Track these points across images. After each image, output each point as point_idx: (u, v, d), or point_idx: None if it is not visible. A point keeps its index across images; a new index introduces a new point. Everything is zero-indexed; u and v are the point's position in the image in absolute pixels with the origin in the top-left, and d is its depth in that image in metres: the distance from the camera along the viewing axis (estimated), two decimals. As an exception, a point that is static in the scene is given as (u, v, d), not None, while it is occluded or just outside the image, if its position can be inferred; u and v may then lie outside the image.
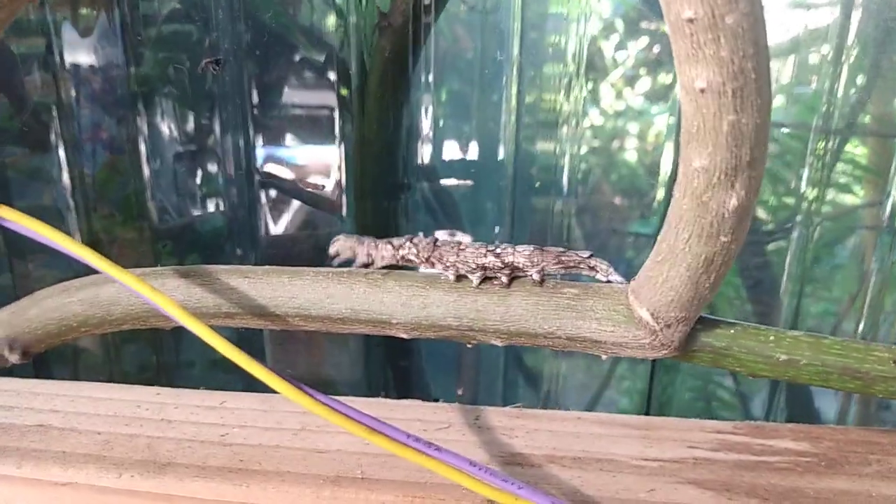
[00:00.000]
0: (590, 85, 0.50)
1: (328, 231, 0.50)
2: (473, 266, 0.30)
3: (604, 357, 0.28)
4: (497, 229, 0.49)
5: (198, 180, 0.51)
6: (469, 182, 0.50)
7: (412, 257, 0.32)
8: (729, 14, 0.20)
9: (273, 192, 0.50)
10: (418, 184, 0.48)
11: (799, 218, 0.48)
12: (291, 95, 0.48)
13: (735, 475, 0.30)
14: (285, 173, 0.50)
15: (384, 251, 0.32)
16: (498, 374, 0.55)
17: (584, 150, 0.50)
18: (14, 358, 0.36)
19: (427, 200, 0.49)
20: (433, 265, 0.31)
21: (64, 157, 0.48)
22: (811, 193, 0.47)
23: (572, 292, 0.28)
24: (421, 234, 0.32)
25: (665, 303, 0.26)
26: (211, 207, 0.52)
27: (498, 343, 0.29)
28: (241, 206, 0.49)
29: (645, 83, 0.53)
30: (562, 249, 0.30)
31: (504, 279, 0.30)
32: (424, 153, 0.49)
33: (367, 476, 0.30)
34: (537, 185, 0.47)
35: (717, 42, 0.20)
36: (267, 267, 0.32)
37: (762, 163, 0.23)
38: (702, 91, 0.21)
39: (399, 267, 0.32)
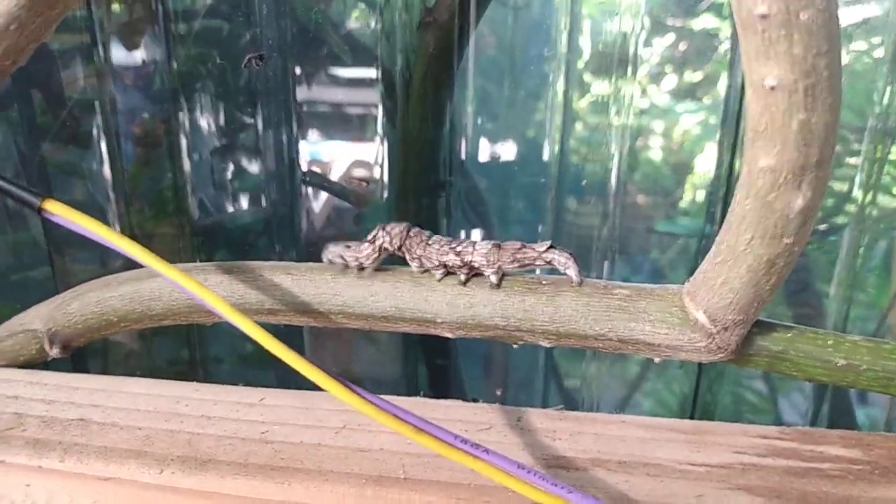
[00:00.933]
0: (619, 83, 0.50)
1: (368, 228, 0.50)
2: (436, 262, 0.30)
3: (657, 360, 0.28)
4: (540, 228, 0.49)
5: (238, 176, 0.51)
6: (511, 180, 0.49)
7: (387, 245, 0.31)
8: (804, 10, 0.19)
9: (314, 189, 0.50)
10: (459, 182, 0.48)
11: (846, 220, 0.47)
12: (334, 92, 0.48)
13: (785, 482, 0.30)
14: (327, 170, 0.50)
15: (366, 249, 0.32)
16: (536, 373, 0.55)
17: (618, 148, 0.50)
18: (54, 352, 0.36)
19: (467, 198, 0.49)
20: (403, 255, 0.31)
21: (106, 153, 0.48)
22: (861, 196, 0.46)
23: (624, 293, 0.27)
24: (421, 227, 0.31)
25: (723, 305, 0.25)
26: (251, 203, 0.52)
27: (546, 344, 0.28)
28: (281, 203, 0.49)
29: (671, 80, 0.53)
30: (518, 245, 0.29)
31: (462, 277, 0.30)
32: (465, 151, 0.48)
33: (411, 476, 0.30)
34: (583, 183, 0.47)
35: (790, 39, 0.19)
36: (310, 264, 0.32)
37: (829, 163, 0.22)
38: (772, 89, 0.20)
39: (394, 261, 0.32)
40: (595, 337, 0.27)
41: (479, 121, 0.48)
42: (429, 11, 0.42)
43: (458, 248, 0.30)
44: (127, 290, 0.33)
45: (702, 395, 0.50)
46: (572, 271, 0.28)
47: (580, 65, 0.47)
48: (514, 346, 0.30)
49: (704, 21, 0.51)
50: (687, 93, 0.52)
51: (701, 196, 0.55)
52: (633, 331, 0.27)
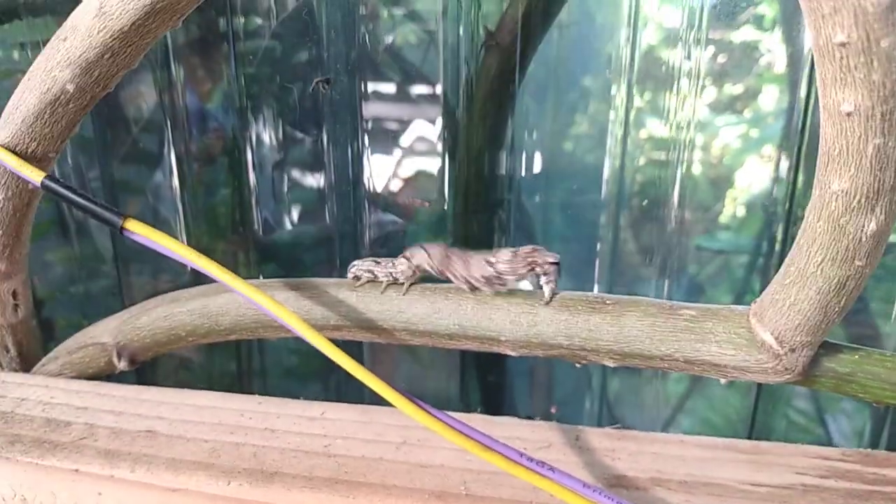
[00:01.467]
0: (648, 95, 0.50)
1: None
2: (480, 278, 0.30)
3: (723, 381, 0.28)
4: (598, 246, 0.49)
5: (301, 192, 0.52)
6: (569, 197, 0.50)
7: (427, 267, 0.32)
8: (885, 38, 0.19)
9: (376, 207, 0.51)
10: (516, 199, 0.49)
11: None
12: (398, 111, 0.49)
13: (849, 504, 0.29)
14: (390, 188, 0.51)
15: (401, 265, 0.32)
16: (585, 391, 0.55)
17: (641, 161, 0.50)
18: (122, 365, 0.37)
19: (525, 216, 0.49)
20: (447, 277, 0.32)
21: (175, 170, 0.49)
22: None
23: (689, 314, 0.28)
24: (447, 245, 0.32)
25: (791, 327, 0.25)
26: (314, 219, 0.53)
27: (610, 364, 0.29)
28: (345, 219, 0.50)
29: (710, 93, 0.53)
30: (529, 249, 0.30)
31: (501, 287, 0.31)
32: (523, 169, 0.49)
33: (472, 493, 0.30)
34: (644, 203, 0.47)
35: (868, 66, 0.20)
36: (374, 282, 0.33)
37: (904, 186, 0.22)
38: (848, 115, 0.21)
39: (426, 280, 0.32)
40: (661, 357, 0.28)
41: (536, 138, 0.49)
42: (491, 35, 0.43)
43: (492, 260, 0.30)
44: (195, 306, 0.34)
45: (759, 414, 0.49)
46: (549, 289, 0.30)
47: (635, 81, 0.48)
48: (577, 366, 0.30)
49: (745, 33, 0.52)
50: (727, 106, 0.52)
51: (742, 211, 0.55)
52: (700, 352, 0.27)
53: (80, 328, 0.40)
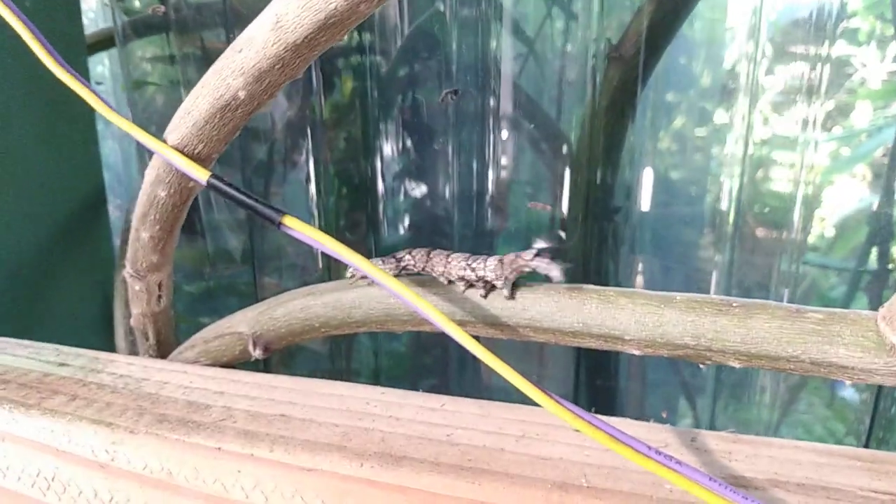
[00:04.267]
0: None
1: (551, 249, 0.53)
2: (456, 277, 0.34)
3: (848, 383, 0.28)
4: (717, 258, 0.50)
5: (426, 200, 0.55)
6: (686, 208, 0.51)
7: (411, 267, 0.36)
8: None
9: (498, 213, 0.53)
10: (634, 208, 0.50)
11: None
12: (523, 120, 0.51)
13: (976, 516, 0.29)
14: (511, 195, 0.53)
15: (389, 265, 0.36)
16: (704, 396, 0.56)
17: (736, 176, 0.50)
18: (257, 353, 0.39)
19: (641, 224, 0.51)
20: (429, 274, 0.36)
21: (313, 175, 0.53)
22: None
23: (817, 317, 0.28)
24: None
25: (923, 331, 0.26)
26: (437, 227, 0.56)
27: (736, 365, 0.30)
28: (467, 226, 0.52)
29: (800, 110, 0.52)
30: (513, 256, 0.33)
31: (481, 291, 0.34)
32: (639, 177, 0.50)
33: (593, 485, 0.31)
34: (766, 210, 0.48)
35: None
36: (499, 280, 0.34)
37: None
38: None
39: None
40: (787, 359, 0.28)
41: (656, 148, 0.50)
42: (614, 48, 0.44)
43: (473, 265, 0.34)
44: (330, 299, 0.37)
45: (878, 423, 0.49)
46: (556, 271, 0.32)
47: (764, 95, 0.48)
48: (701, 367, 0.31)
49: (838, 48, 0.51)
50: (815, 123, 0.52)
51: (831, 231, 0.54)
52: (827, 354, 0.28)
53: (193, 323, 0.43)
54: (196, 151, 0.32)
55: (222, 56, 0.30)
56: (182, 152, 0.32)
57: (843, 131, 0.54)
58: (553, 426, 0.36)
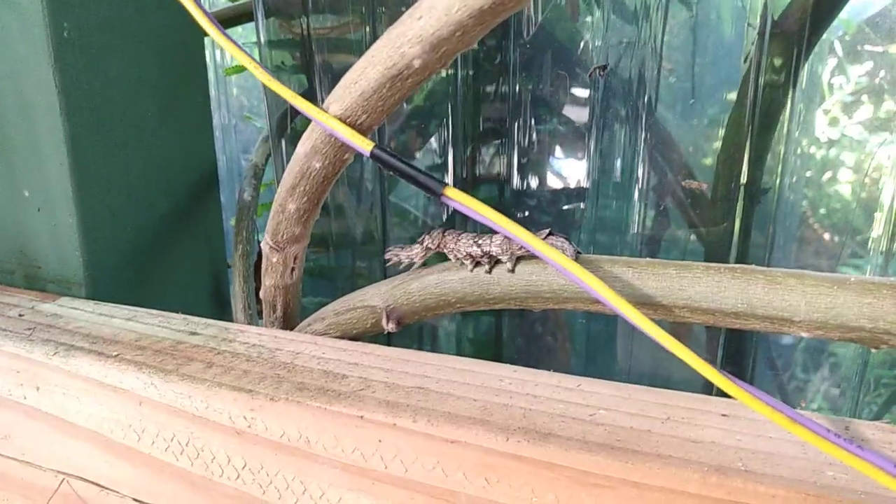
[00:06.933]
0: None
1: (702, 230, 0.52)
2: (464, 254, 0.36)
3: None
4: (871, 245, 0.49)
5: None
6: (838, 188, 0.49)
7: (431, 246, 0.38)
8: None
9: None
10: (783, 187, 0.49)
11: None
12: (673, 97, 0.50)
13: None
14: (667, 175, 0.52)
15: (416, 248, 0.39)
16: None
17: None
18: (390, 326, 0.40)
19: (789, 204, 0.49)
20: (444, 252, 0.38)
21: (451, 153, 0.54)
22: None
23: None
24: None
25: None
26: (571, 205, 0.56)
27: (916, 349, 0.29)
28: (604, 207, 0.52)
29: (866, 111, 0.51)
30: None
31: (486, 266, 0.36)
32: (787, 159, 0.49)
33: (751, 469, 0.31)
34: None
35: None
36: (650, 259, 0.34)
37: None
38: None
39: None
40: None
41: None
42: (776, 23, 0.43)
43: (479, 241, 0.35)
44: (467, 275, 0.37)
45: None
46: (570, 251, 0.33)
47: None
48: (872, 351, 0.30)
49: None
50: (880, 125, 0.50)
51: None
52: None
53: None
54: (359, 122, 0.32)
55: (396, 24, 0.30)
56: (345, 123, 0.32)
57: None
58: (698, 410, 0.35)
